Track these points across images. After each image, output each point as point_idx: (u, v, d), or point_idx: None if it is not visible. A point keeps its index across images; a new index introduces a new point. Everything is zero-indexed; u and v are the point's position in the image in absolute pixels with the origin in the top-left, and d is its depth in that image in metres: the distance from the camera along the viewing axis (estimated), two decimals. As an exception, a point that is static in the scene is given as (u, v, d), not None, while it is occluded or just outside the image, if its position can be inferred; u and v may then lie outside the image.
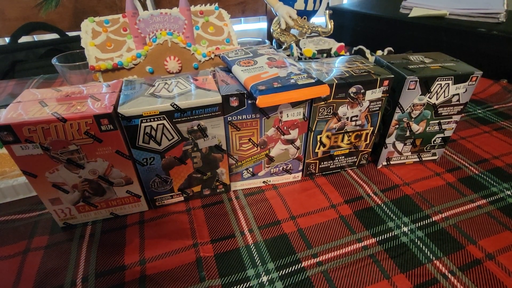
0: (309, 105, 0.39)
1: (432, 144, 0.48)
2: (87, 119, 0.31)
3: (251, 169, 0.44)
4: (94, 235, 0.38)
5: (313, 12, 0.72)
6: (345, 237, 0.37)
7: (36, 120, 0.30)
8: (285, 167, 0.45)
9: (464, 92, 0.42)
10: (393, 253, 0.35)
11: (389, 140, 0.46)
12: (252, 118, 0.38)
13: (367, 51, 0.59)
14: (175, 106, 0.33)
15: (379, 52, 0.60)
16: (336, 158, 0.46)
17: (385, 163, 0.49)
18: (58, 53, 0.60)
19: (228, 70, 0.42)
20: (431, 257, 0.35)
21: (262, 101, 0.33)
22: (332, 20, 0.63)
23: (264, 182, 0.46)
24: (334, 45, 0.60)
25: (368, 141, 0.46)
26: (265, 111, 0.38)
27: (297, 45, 0.61)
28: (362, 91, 0.40)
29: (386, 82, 0.40)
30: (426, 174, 0.48)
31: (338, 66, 0.43)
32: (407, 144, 0.47)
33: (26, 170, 0.33)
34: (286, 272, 0.34)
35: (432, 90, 0.41)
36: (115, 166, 0.36)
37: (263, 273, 0.34)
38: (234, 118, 0.38)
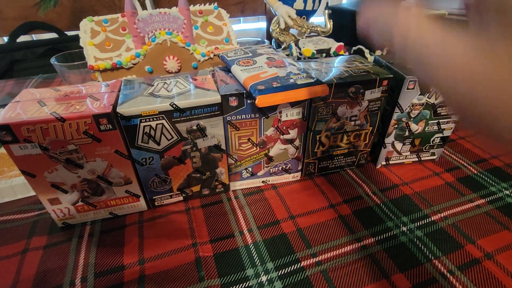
0: (308, 104, 0.39)
1: (431, 143, 0.48)
2: (86, 118, 0.31)
3: (250, 169, 0.44)
4: (93, 235, 0.38)
5: (312, 12, 0.72)
6: (344, 237, 0.38)
7: (34, 120, 0.30)
8: (284, 166, 0.45)
9: (463, 92, 0.42)
10: (392, 253, 0.35)
11: (388, 140, 0.46)
12: (251, 117, 0.38)
13: (366, 51, 0.59)
14: (174, 105, 0.33)
15: (378, 52, 0.60)
16: (335, 158, 0.46)
17: (384, 162, 0.49)
18: (57, 53, 0.60)
19: (227, 69, 0.42)
20: (430, 256, 0.35)
21: (261, 100, 0.33)
22: (331, 20, 0.63)
23: (263, 181, 0.46)
24: (333, 44, 0.60)
25: (367, 141, 0.46)
26: (264, 111, 0.38)
27: (296, 44, 0.61)
28: (361, 91, 0.40)
29: (385, 82, 0.40)
30: (425, 173, 0.48)
31: (337, 66, 0.43)
32: (406, 143, 0.47)
33: (24, 170, 0.33)
34: (285, 271, 0.34)
35: (431, 90, 0.41)
36: (114, 166, 0.36)
37: (262, 272, 0.34)
38: (233, 117, 0.38)
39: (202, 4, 0.54)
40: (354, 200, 0.43)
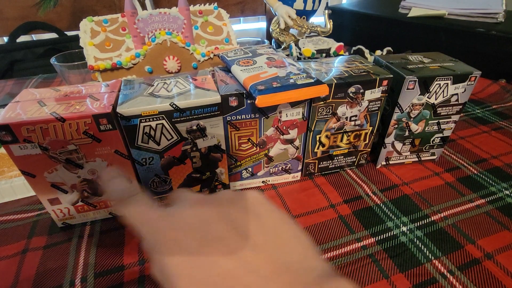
0: (308, 105, 0.39)
1: (431, 144, 0.48)
2: (86, 119, 0.31)
3: (250, 169, 0.44)
4: (93, 235, 0.38)
5: (312, 12, 0.72)
6: (344, 237, 0.38)
7: (34, 120, 0.30)
8: (284, 167, 0.45)
9: (463, 92, 0.42)
10: (392, 253, 0.35)
11: (388, 140, 0.46)
12: (251, 118, 0.38)
13: (366, 51, 0.59)
14: (174, 106, 0.33)
15: (378, 52, 0.60)
16: (335, 158, 0.46)
17: (384, 162, 0.49)
18: (57, 53, 0.60)
19: (227, 69, 0.42)
20: (430, 256, 0.35)
21: (261, 101, 0.33)
22: (331, 20, 0.63)
23: (263, 182, 0.46)
24: (333, 45, 0.60)
25: (367, 141, 0.46)
26: (264, 111, 0.38)
27: (296, 44, 0.61)
28: (361, 91, 0.40)
29: (385, 82, 0.40)
30: (425, 173, 0.48)
31: (337, 66, 0.43)
32: (406, 144, 0.47)
33: (24, 170, 0.33)
34: (285, 271, 0.34)
35: (431, 90, 0.41)
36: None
37: (262, 273, 0.34)
38: (233, 118, 0.38)
39: (202, 4, 0.54)
40: (354, 200, 0.43)
